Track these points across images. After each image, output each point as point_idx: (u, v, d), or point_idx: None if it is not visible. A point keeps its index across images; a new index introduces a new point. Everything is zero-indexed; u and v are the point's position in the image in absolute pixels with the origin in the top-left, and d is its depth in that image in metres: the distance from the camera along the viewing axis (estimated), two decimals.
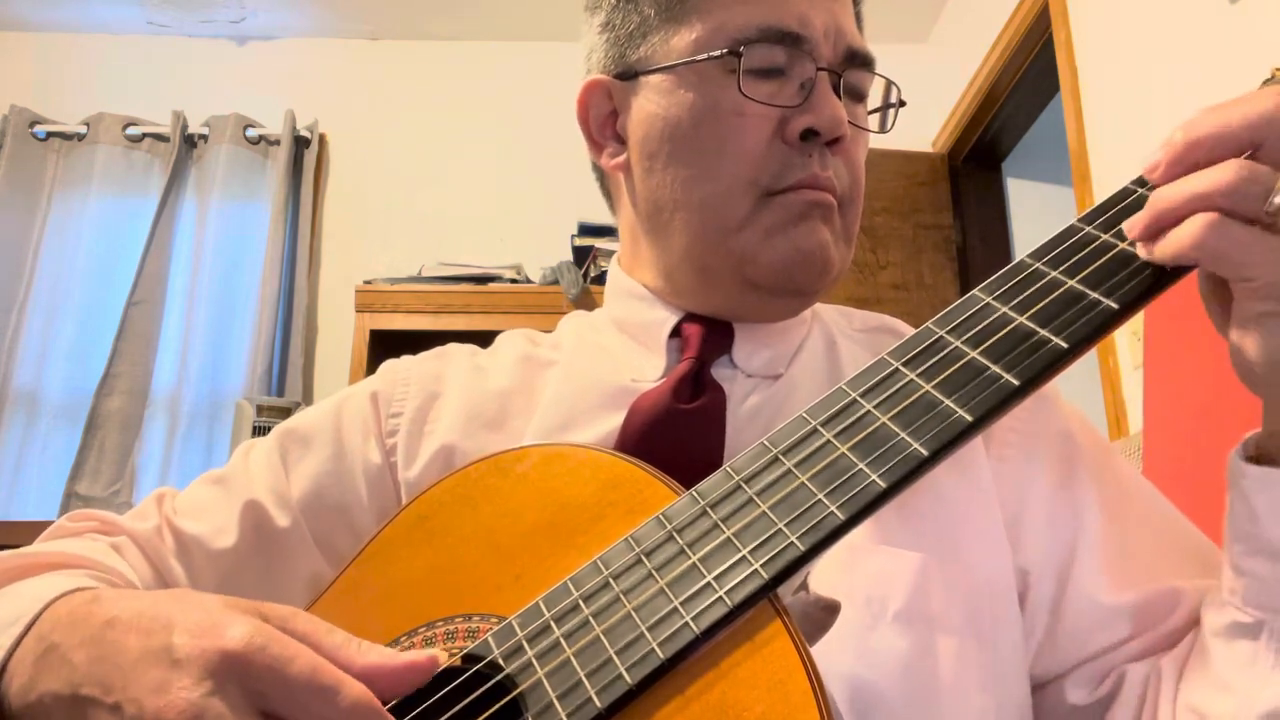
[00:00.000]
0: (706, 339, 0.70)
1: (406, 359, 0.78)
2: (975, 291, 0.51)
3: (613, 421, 0.67)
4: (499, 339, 0.81)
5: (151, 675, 0.40)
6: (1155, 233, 0.45)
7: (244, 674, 0.40)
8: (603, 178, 0.81)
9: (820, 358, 0.73)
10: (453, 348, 0.79)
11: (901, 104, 0.76)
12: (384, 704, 0.42)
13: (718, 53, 0.68)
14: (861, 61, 0.71)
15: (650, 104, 0.71)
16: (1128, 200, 0.50)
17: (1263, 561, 0.48)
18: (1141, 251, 0.46)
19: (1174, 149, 0.45)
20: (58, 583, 0.52)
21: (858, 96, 0.72)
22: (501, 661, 0.47)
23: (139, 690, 0.40)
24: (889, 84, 0.75)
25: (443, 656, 0.46)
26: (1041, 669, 0.62)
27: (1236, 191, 0.43)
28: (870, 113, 0.75)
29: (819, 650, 0.45)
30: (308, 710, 0.40)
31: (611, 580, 0.48)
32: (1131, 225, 0.46)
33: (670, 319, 0.73)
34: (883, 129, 0.77)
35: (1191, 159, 0.45)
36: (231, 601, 0.44)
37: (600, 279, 2.65)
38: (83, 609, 0.46)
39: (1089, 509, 0.64)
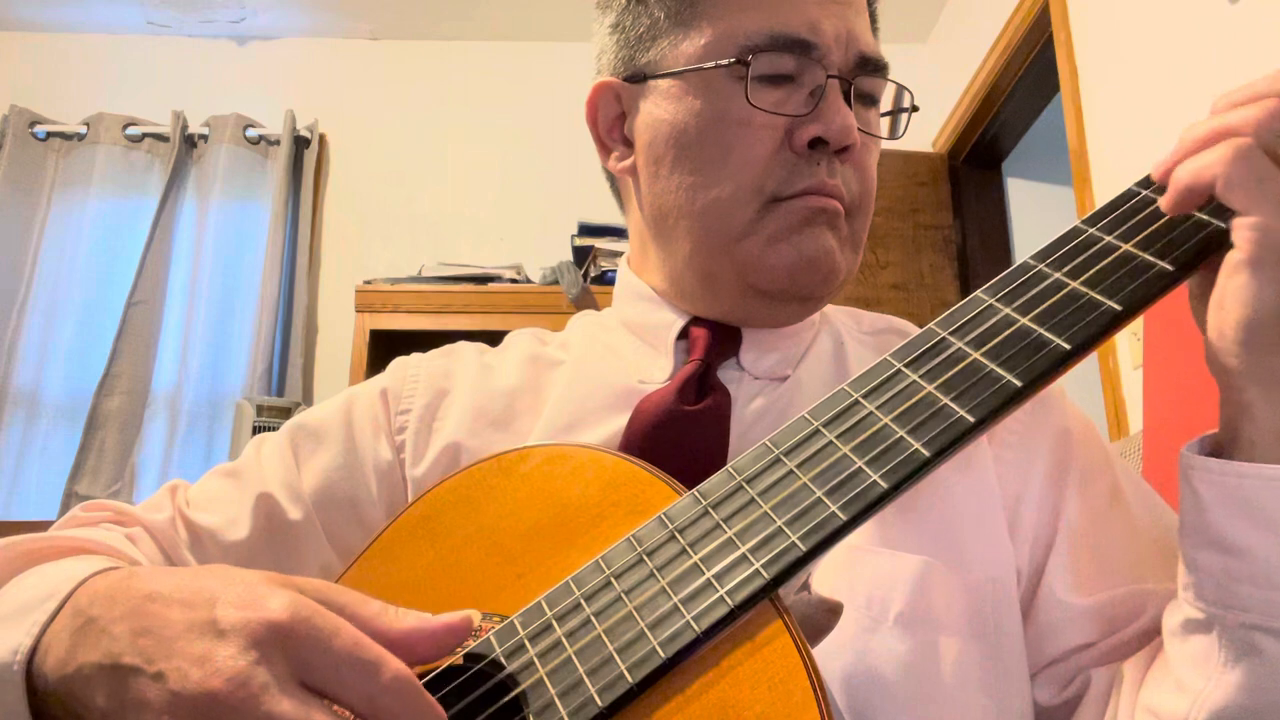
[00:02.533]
0: (714, 341, 0.70)
1: (416, 356, 0.78)
2: (978, 293, 0.51)
3: (619, 422, 0.67)
4: (508, 338, 0.81)
5: (196, 646, 0.41)
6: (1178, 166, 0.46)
7: (288, 645, 0.40)
8: (613, 178, 0.81)
9: (828, 360, 0.73)
10: (462, 345, 0.80)
11: (914, 109, 0.75)
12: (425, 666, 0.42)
13: (726, 61, 0.67)
14: (873, 67, 0.70)
15: (658, 109, 0.71)
16: (1131, 202, 0.50)
17: (1211, 554, 0.47)
18: (1164, 202, 0.47)
19: (1214, 108, 0.47)
20: (88, 563, 0.52)
21: (869, 101, 0.72)
22: (503, 660, 0.47)
23: (183, 660, 0.40)
24: (900, 89, 0.75)
25: (476, 615, 0.46)
26: None
27: (1262, 126, 0.44)
28: (882, 115, 0.74)
29: (820, 652, 0.45)
30: (348, 683, 0.40)
31: (613, 580, 0.48)
32: (1157, 166, 0.47)
33: (678, 321, 0.73)
34: (894, 135, 0.76)
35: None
36: (268, 575, 0.44)
37: (600, 279, 2.65)
38: (121, 584, 0.46)
39: (1071, 510, 0.64)
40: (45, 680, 0.45)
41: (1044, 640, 0.61)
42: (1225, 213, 0.46)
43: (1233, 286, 0.45)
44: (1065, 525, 0.63)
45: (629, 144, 0.75)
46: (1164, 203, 0.47)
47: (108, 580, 0.47)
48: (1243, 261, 0.44)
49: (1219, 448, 0.48)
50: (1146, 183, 0.50)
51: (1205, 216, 0.47)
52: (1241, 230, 0.44)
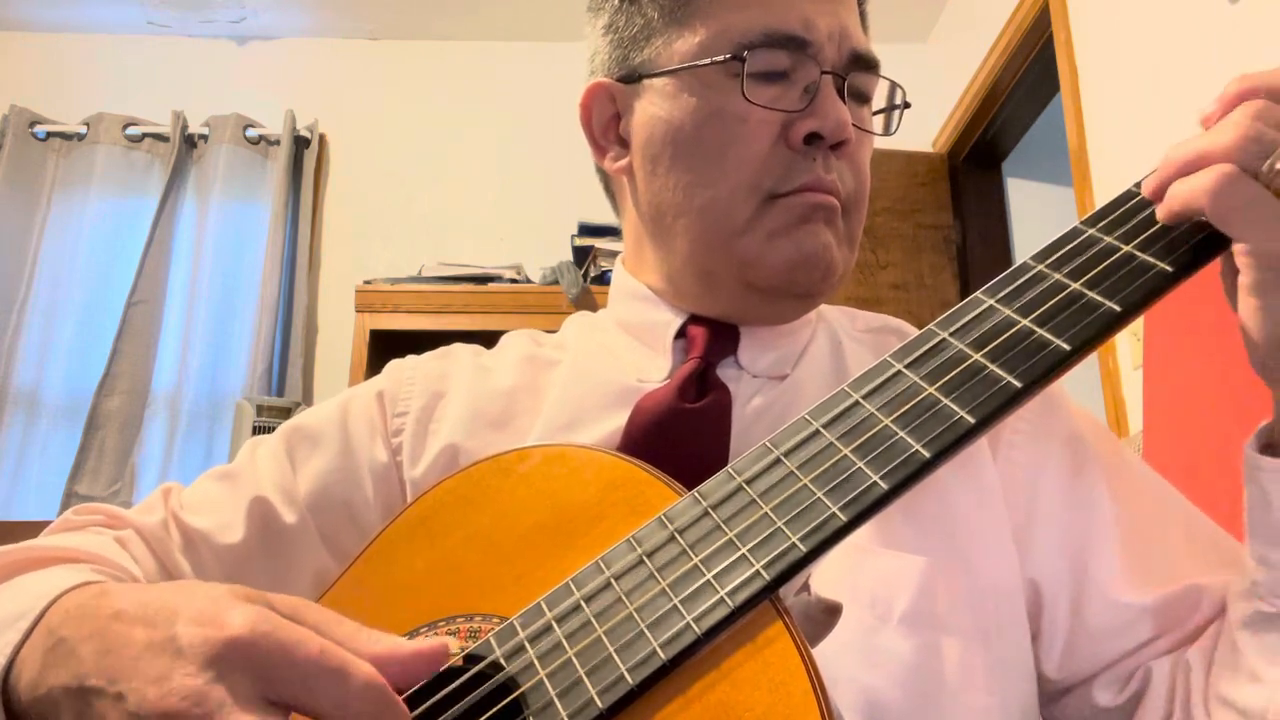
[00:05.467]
0: (712, 340, 0.70)
1: (411, 359, 0.78)
2: (978, 293, 0.51)
3: (618, 421, 0.67)
4: (503, 339, 0.80)
5: (155, 665, 0.40)
6: (1164, 187, 0.46)
7: (249, 660, 0.40)
8: (606, 179, 0.81)
9: (826, 359, 0.73)
10: (457, 348, 0.79)
11: (906, 105, 0.76)
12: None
13: (721, 57, 0.67)
14: (866, 64, 0.70)
15: (653, 107, 0.71)
16: (1130, 203, 0.50)
17: None
18: (1160, 212, 0.47)
19: (1226, 99, 0.46)
20: (64, 577, 0.52)
21: (862, 98, 0.72)
22: (503, 661, 0.47)
23: (141, 680, 0.40)
24: (893, 86, 0.75)
25: (453, 644, 0.46)
26: (1067, 673, 0.62)
27: (1239, 149, 0.43)
28: (875, 114, 0.75)
29: (823, 652, 0.45)
30: (317, 692, 0.40)
31: (613, 581, 0.48)
32: (1147, 182, 0.48)
33: (675, 320, 0.73)
34: (887, 131, 0.76)
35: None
36: (238, 590, 0.44)
37: (600, 279, 2.65)
38: (91, 602, 0.46)
39: (1101, 512, 0.64)
40: (19, 700, 0.45)
41: (1101, 642, 0.61)
42: None
43: (1248, 309, 0.46)
44: (1100, 527, 0.63)
45: (624, 144, 0.75)
46: (1161, 214, 0.47)
47: (79, 598, 0.47)
48: (1249, 286, 0.45)
49: (1273, 443, 0.50)
50: None
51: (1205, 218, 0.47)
52: (1241, 256, 0.45)
